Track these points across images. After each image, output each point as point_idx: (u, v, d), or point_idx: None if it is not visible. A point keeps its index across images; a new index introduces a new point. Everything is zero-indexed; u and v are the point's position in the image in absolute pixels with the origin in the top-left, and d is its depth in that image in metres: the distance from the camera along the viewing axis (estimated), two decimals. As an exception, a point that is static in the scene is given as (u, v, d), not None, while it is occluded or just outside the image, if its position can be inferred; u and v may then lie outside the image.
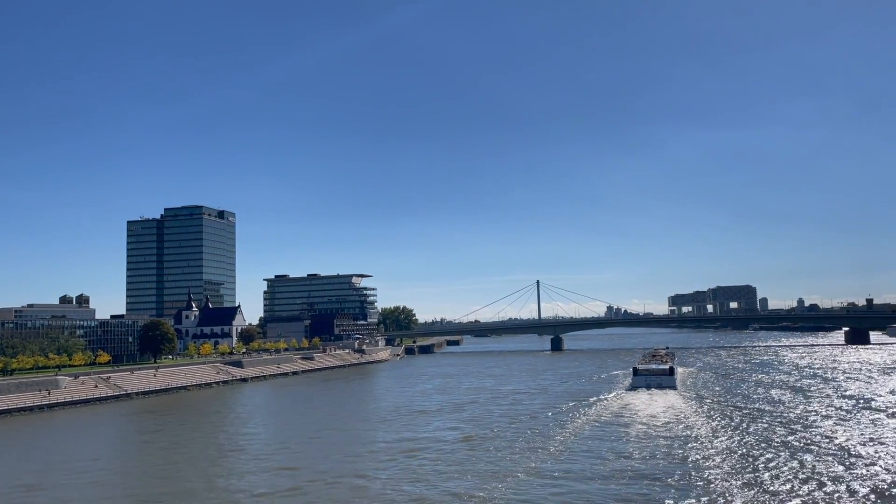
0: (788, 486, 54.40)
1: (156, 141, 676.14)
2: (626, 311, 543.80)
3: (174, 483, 64.18)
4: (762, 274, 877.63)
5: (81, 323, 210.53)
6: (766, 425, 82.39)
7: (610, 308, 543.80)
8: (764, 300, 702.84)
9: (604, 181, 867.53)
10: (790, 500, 50.92)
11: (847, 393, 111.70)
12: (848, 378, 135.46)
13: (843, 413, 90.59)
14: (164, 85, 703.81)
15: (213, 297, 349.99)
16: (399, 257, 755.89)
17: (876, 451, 65.85)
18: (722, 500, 51.25)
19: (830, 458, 63.47)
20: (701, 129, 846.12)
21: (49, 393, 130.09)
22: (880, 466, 59.86)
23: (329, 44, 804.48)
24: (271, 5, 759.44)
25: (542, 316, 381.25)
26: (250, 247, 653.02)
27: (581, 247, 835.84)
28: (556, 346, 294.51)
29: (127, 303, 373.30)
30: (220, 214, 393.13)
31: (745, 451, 67.72)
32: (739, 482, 55.98)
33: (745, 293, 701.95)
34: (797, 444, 70.77)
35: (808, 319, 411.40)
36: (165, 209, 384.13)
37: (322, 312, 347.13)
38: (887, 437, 72.72)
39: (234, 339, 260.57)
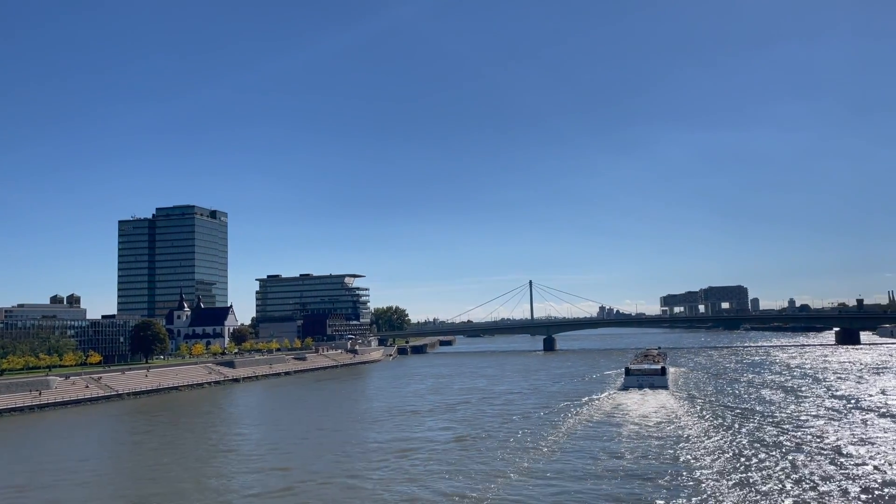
0: (779, 486, 54.60)
1: (147, 140, 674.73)
2: (618, 311, 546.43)
3: (165, 484, 63.91)
4: (753, 274, 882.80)
5: (72, 323, 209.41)
6: (757, 425, 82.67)
7: (602, 308, 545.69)
8: (755, 300, 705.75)
9: (597, 181, 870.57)
10: (781, 500, 51.11)
11: (838, 393, 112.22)
12: (839, 378, 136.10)
13: (834, 413, 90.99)
14: (156, 84, 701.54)
15: (205, 297, 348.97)
16: (392, 257, 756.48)
17: (867, 451, 66.15)
18: (713, 500, 51.39)
19: (821, 458, 63.73)
20: (693, 130, 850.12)
21: (40, 393, 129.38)
22: (871, 466, 60.14)
23: (323, 41, 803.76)
24: (265, 2, 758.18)
25: (535, 316, 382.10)
26: (242, 247, 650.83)
27: (574, 247, 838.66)
28: (549, 346, 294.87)
29: (118, 303, 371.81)
30: (213, 214, 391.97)
31: (736, 450, 67.94)
32: (731, 482, 56.15)
33: (737, 293, 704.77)
34: (788, 443, 71.04)
35: (799, 320, 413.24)
36: (157, 209, 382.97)
37: (314, 313, 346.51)
38: (878, 437, 73.07)
39: (226, 339, 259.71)
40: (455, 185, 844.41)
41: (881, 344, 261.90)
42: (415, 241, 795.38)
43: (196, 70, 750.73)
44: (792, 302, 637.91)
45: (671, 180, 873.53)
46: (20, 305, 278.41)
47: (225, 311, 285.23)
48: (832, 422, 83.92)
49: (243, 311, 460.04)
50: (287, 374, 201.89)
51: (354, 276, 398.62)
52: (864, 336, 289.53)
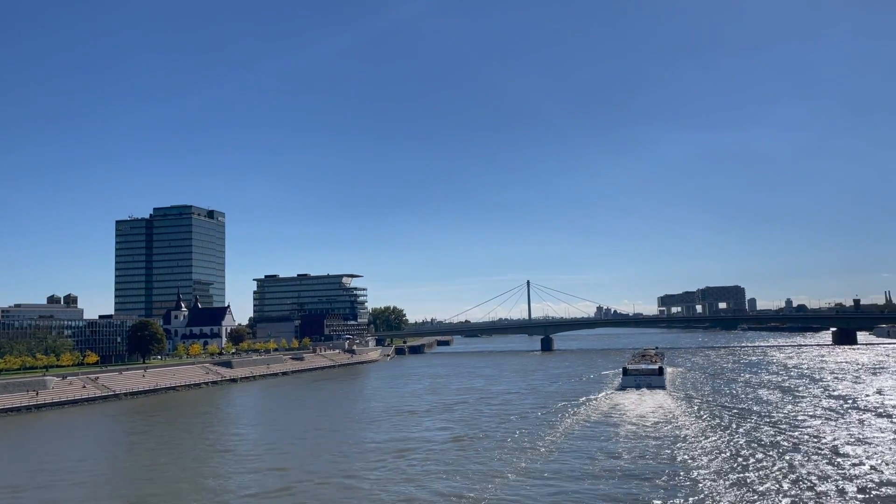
0: (776, 486, 54.67)
1: (145, 140, 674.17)
2: (615, 311, 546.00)
3: (162, 484, 63.83)
4: (751, 275, 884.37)
5: (69, 323, 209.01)
6: (754, 425, 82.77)
7: (600, 308, 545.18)
8: (752, 301, 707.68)
9: (595, 181, 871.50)
10: (778, 500, 51.19)
11: (835, 393, 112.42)
12: (835, 378, 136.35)
13: (831, 413, 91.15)
14: (154, 83, 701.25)
15: (203, 297, 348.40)
16: (390, 257, 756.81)
17: (864, 451, 66.28)
18: (710, 501, 51.46)
19: (818, 458, 63.84)
20: (692, 130, 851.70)
21: (37, 393, 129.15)
22: (868, 466, 60.25)
23: (322, 41, 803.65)
24: (263, 2, 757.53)
25: (533, 316, 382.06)
26: (240, 247, 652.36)
27: (571, 247, 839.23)
28: (547, 346, 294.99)
29: (115, 303, 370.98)
30: (210, 214, 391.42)
31: (733, 450, 68.03)
32: (728, 482, 56.21)
33: (734, 294, 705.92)
34: (785, 443, 71.14)
35: (796, 320, 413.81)
36: (154, 209, 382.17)
37: (312, 313, 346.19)
38: (875, 437, 73.23)
39: (224, 339, 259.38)
40: (453, 185, 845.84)
41: (878, 344, 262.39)
42: (412, 241, 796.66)
43: (194, 70, 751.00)
44: (789, 302, 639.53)
45: (669, 180, 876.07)
46: (17, 305, 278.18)
47: (222, 312, 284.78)
48: (829, 422, 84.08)
49: (241, 311, 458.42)
50: (284, 374, 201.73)
51: (352, 276, 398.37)
52: (861, 336, 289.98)
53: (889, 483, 54.60)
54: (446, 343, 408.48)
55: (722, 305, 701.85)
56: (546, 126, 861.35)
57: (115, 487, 64.21)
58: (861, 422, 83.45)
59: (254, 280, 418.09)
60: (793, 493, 52.73)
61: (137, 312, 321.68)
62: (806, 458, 63.72)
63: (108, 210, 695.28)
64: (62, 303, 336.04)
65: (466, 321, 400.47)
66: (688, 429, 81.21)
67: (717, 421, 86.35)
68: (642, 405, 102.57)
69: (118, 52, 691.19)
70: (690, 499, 51.87)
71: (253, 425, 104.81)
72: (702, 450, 68.89)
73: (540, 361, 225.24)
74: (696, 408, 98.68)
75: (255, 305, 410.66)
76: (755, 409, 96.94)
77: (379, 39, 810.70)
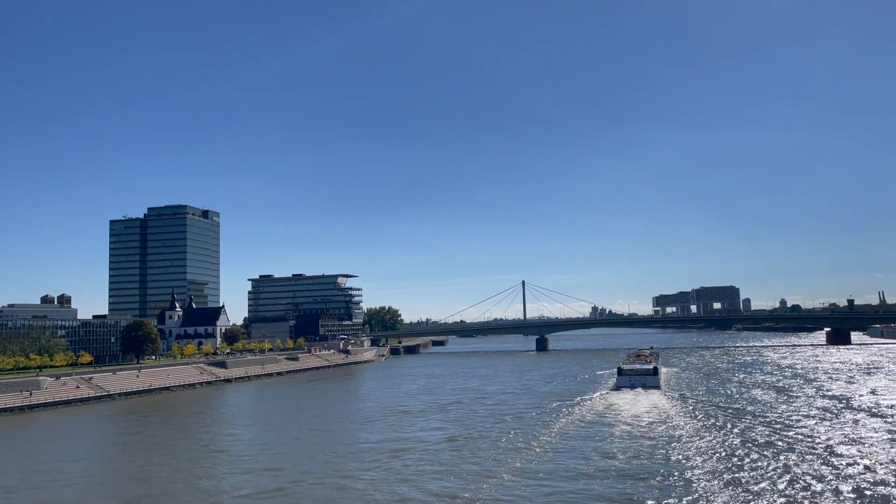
0: (771, 486, 54.74)
1: (139, 139, 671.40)
2: (610, 311, 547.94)
3: (156, 484, 63.61)
4: (745, 275, 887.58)
5: (63, 323, 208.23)
6: (748, 425, 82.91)
7: (595, 308, 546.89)
8: (747, 301, 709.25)
9: (590, 182, 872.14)
10: (773, 500, 51.26)
11: (829, 393, 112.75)
12: (830, 378, 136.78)
13: (825, 413, 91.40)
14: (151, 82, 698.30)
15: (197, 297, 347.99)
16: (385, 257, 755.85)
17: (858, 451, 66.45)
18: (704, 501, 51.51)
19: (813, 458, 63.97)
20: (687, 131, 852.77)
21: (30, 394, 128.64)
22: (862, 466, 60.41)
23: (320, 41, 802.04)
24: (262, 1, 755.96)
25: (528, 316, 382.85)
26: (235, 247, 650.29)
27: (566, 247, 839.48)
28: (542, 346, 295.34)
29: (109, 303, 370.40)
30: (205, 214, 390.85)
31: (727, 450, 68.12)
32: (722, 482, 56.27)
33: (729, 294, 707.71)
34: (780, 443, 71.28)
35: (791, 320, 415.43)
36: (149, 209, 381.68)
37: (307, 313, 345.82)
38: (869, 437, 73.44)
39: (218, 339, 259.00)
40: (449, 185, 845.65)
41: (871, 344, 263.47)
42: (407, 241, 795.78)
43: (192, 69, 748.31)
44: (783, 302, 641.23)
45: (665, 181, 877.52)
46: (10, 305, 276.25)
47: (217, 312, 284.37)
48: (823, 421, 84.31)
49: (235, 311, 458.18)
50: (279, 374, 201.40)
51: (347, 276, 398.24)
52: (855, 336, 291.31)
53: (883, 483, 54.74)
54: (441, 343, 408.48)
55: (717, 305, 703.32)
56: (543, 126, 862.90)
57: (109, 488, 63.97)
58: (855, 422, 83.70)
59: (248, 280, 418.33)
60: (787, 493, 52.79)
61: (132, 312, 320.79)
62: (800, 458, 63.84)
63: (103, 210, 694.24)
64: (56, 303, 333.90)
65: (462, 321, 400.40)
66: (682, 429, 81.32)
67: (712, 421, 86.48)
68: (637, 405, 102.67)
69: (114, 50, 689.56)
70: (685, 499, 51.90)
71: (247, 426, 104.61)
72: (696, 450, 68.98)
73: (535, 361, 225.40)
74: (690, 408, 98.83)
75: (249, 305, 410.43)
76: (749, 408, 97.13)
77: (376, 39, 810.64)
